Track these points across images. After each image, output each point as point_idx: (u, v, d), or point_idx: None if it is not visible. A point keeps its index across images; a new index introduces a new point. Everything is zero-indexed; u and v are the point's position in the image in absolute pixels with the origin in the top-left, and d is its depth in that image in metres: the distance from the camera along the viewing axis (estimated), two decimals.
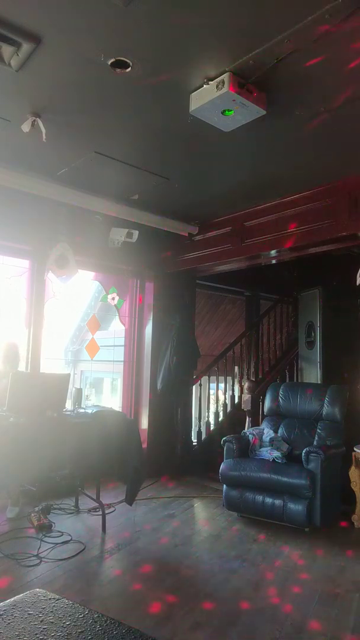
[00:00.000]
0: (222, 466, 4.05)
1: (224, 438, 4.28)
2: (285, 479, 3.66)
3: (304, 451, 3.79)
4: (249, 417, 5.52)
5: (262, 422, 4.83)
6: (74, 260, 4.58)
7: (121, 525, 3.80)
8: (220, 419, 6.38)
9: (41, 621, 0.89)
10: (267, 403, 4.72)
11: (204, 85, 2.59)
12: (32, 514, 3.67)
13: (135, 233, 4.88)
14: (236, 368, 6.82)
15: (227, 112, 2.69)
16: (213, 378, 6.60)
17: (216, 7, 2.06)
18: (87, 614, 0.92)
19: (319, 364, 6.31)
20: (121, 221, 4.81)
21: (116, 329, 6.42)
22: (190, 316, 5.83)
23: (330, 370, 6.22)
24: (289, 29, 2.16)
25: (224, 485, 4.03)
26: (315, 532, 3.70)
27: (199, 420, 6.10)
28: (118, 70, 2.50)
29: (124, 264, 5.36)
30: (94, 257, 5.03)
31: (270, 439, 4.28)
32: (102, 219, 4.79)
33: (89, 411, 3.74)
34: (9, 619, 0.89)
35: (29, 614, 0.91)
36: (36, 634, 0.85)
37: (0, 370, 3.90)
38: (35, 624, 0.88)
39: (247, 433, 4.42)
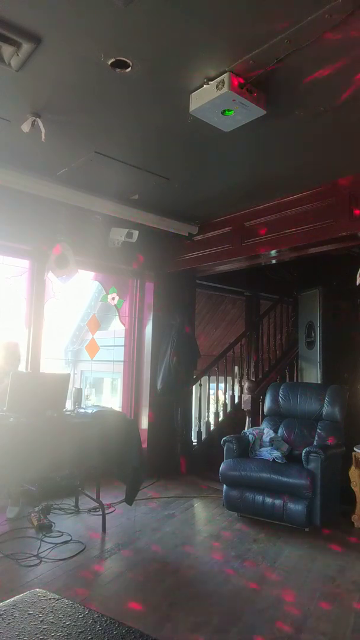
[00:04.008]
0: (222, 466, 4.04)
1: (224, 438, 4.28)
2: (285, 479, 3.66)
3: (304, 451, 3.79)
4: (249, 417, 5.52)
5: (262, 422, 4.83)
6: (74, 260, 4.58)
7: (121, 525, 3.80)
8: (220, 419, 6.38)
9: (41, 621, 0.89)
10: (267, 403, 4.72)
11: (204, 85, 2.59)
12: (32, 514, 3.67)
13: (135, 233, 4.88)
14: (236, 368, 6.82)
15: (227, 112, 2.69)
16: (213, 378, 6.60)
17: (216, 7, 2.06)
18: (87, 614, 0.92)
19: (319, 364, 6.31)
20: (121, 221, 4.81)
21: (116, 329, 6.42)
22: (190, 316, 5.83)
23: (330, 370, 6.22)
24: (289, 29, 2.16)
25: (224, 485, 4.03)
26: (315, 532, 3.70)
27: (199, 420, 6.10)
28: (118, 70, 2.50)
29: (124, 264, 5.36)
30: (94, 257, 5.03)
31: (270, 439, 4.28)
32: (102, 219, 4.79)
33: (89, 411, 3.74)
34: (9, 619, 0.89)
35: (29, 614, 0.91)
36: (36, 634, 0.85)
37: (1, 370, 3.90)
38: (35, 624, 0.88)
39: (247, 433, 4.42)
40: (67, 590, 2.70)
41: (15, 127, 3.07)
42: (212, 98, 2.56)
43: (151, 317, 5.65)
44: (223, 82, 2.49)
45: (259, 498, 3.78)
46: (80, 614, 0.92)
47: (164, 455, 5.44)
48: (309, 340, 6.59)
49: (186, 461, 5.63)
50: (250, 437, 4.31)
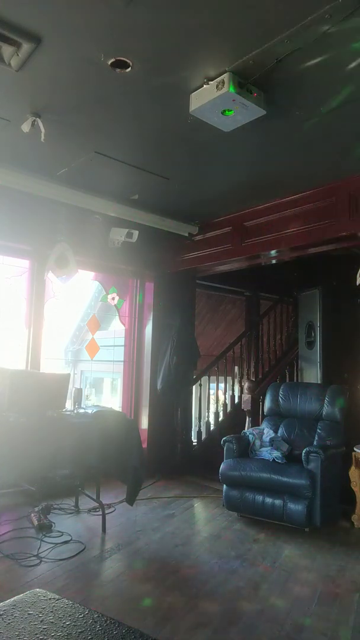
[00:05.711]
0: (222, 466, 4.04)
1: (224, 438, 4.28)
2: (285, 479, 3.66)
3: (304, 451, 3.79)
4: (249, 417, 5.52)
5: (262, 422, 4.83)
6: (74, 260, 4.58)
7: (121, 525, 3.80)
8: (220, 419, 6.38)
9: (41, 621, 0.89)
10: (267, 403, 4.72)
11: (204, 85, 2.59)
12: (32, 514, 3.67)
13: (135, 233, 4.87)
14: (236, 368, 6.82)
15: (227, 112, 2.69)
16: (213, 378, 6.60)
17: (216, 7, 2.06)
18: (87, 614, 0.93)
19: (319, 364, 6.31)
20: (121, 221, 4.81)
21: (116, 329, 6.42)
22: (190, 316, 5.83)
23: (330, 370, 6.22)
24: (289, 29, 2.16)
25: (224, 485, 4.03)
26: (315, 532, 3.70)
27: (199, 420, 6.10)
28: (118, 70, 2.49)
29: (124, 264, 5.36)
30: (94, 257, 5.03)
31: (270, 439, 4.28)
32: (102, 219, 4.79)
33: (89, 411, 3.74)
34: (9, 619, 0.89)
35: (29, 614, 0.92)
36: (36, 634, 0.85)
37: None
38: (35, 624, 0.88)
39: (247, 433, 4.42)
40: (67, 590, 2.70)
41: (15, 127, 3.07)
42: (212, 98, 2.56)
43: (151, 317, 5.65)
44: (223, 82, 2.49)
45: (259, 498, 3.78)
46: (80, 614, 0.92)
47: (164, 455, 5.44)
48: (309, 340, 6.60)
49: (186, 461, 5.63)
50: (250, 437, 4.31)
